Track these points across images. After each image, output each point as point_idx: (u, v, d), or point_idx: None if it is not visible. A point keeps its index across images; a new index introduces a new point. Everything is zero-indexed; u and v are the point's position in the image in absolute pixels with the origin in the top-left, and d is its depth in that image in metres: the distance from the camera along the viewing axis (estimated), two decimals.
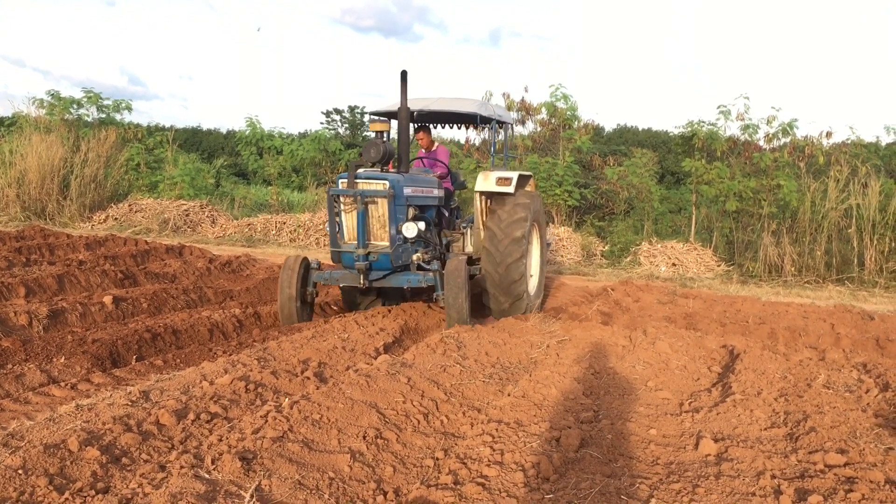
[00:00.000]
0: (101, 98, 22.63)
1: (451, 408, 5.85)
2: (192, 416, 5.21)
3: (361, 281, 8.81)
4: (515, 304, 9.92)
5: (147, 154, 23.60)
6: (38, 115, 21.69)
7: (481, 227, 10.45)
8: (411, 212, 9.14)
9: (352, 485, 4.33)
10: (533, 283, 11.09)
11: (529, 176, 11.31)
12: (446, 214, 10.97)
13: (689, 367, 7.39)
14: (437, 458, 4.80)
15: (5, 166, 19.00)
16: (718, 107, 17.95)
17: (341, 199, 8.71)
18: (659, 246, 17.10)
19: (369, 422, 5.25)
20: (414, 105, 10.25)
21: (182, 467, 4.27)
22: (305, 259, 9.34)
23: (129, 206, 20.14)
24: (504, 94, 20.05)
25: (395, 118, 10.68)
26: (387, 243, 8.76)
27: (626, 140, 38.56)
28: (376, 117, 8.75)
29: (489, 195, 10.55)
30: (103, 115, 22.78)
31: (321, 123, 32.82)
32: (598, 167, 20.31)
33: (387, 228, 8.76)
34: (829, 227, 16.50)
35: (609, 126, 44.34)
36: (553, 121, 19.70)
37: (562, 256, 17.10)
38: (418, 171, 10.39)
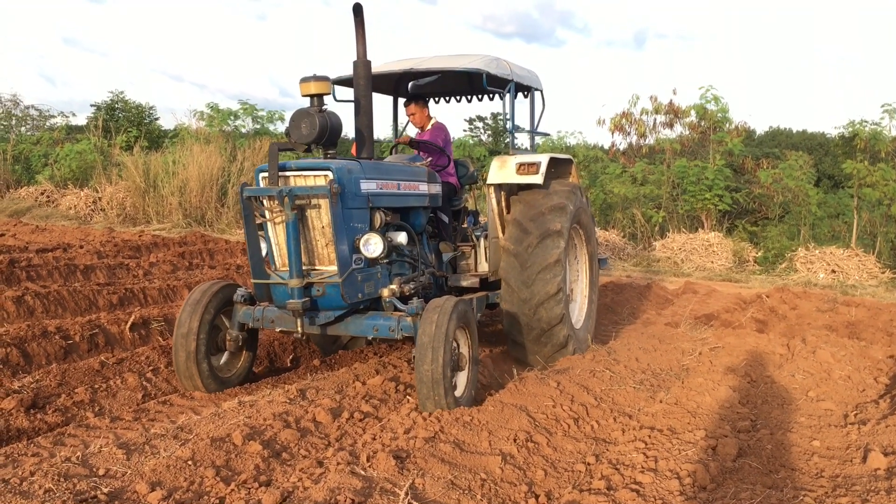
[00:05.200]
0: (255, 109, 23.61)
1: (601, 413, 5.77)
2: (346, 414, 5.36)
3: (299, 327, 5.86)
4: (552, 353, 7.27)
5: None
6: (199, 127, 22.80)
7: (499, 234, 7.54)
8: (378, 217, 6.17)
9: (503, 487, 4.34)
10: (579, 313, 8.29)
11: (569, 161, 8.38)
12: (447, 220, 7.89)
13: (854, 377, 7.02)
14: (589, 464, 4.74)
15: (169, 176, 20.03)
16: (883, 105, 17.06)
17: (265, 203, 5.86)
18: (817, 252, 16.33)
19: (519, 425, 5.24)
20: (395, 67, 7.80)
21: (339, 464, 4.40)
22: (228, 287, 6.33)
23: None
24: (651, 97, 19.66)
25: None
26: (335, 268, 5.77)
27: (780, 143, 37.00)
28: (314, 78, 5.69)
29: (508, 189, 7.79)
30: (258, 126, 23.74)
31: (464, 131, 33.01)
32: (751, 171, 19.59)
33: (335, 245, 5.73)
34: None
35: (760, 128, 42.68)
36: (703, 123, 19.16)
37: (712, 262, 16.60)
38: (399, 158, 7.47)
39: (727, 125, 19.11)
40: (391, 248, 6.17)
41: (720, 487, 4.32)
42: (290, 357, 7.62)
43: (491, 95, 7.98)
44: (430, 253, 7.36)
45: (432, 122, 8.16)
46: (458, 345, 5.70)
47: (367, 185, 6.05)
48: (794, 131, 43.99)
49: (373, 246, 5.81)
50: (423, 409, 5.34)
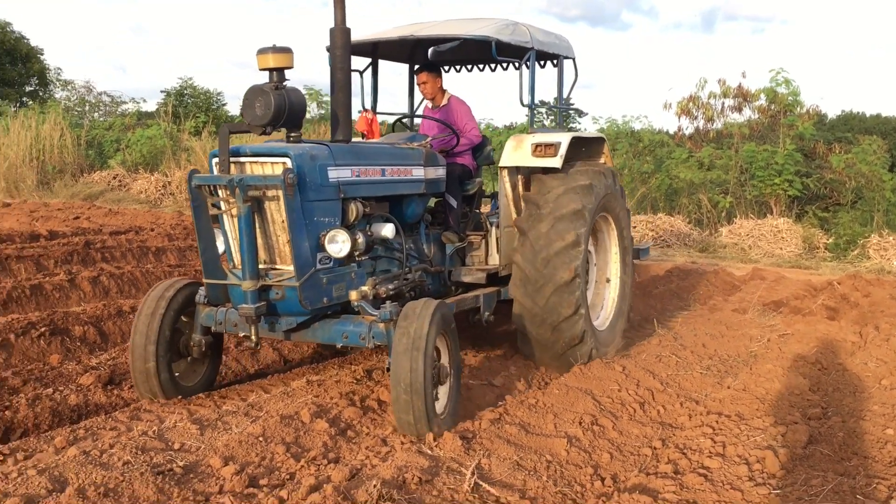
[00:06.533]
0: (320, 95, 23.77)
1: (667, 398, 5.74)
2: None
3: (252, 334, 5.02)
4: (564, 351, 6.32)
5: None
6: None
7: (513, 221, 6.70)
8: (354, 209, 5.34)
9: (569, 469, 4.35)
10: (604, 313, 7.30)
11: (600, 140, 7.47)
12: (455, 205, 6.84)
13: None
14: (655, 448, 4.72)
15: None
16: None
17: (220, 192, 5.04)
18: (891, 239, 15.89)
19: (584, 408, 5.25)
20: (394, 33, 6.98)
21: (404, 443, 4.47)
22: (189, 286, 5.50)
23: None
24: (720, 80, 19.28)
25: (370, 55, 7.56)
26: (292, 268, 4.94)
27: (852, 127, 35.87)
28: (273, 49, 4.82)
29: (525, 173, 6.89)
30: (322, 111, 23.90)
31: (525, 116, 32.76)
32: (822, 155, 19.10)
33: (292, 244, 4.90)
34: None
35: (832, 112, 41.49)
36: (773, 107, 18.74)
37: (781, 249, 16.28)
38: (397, 138, 6.79)
39: (798, 109, 18.66)
40: (372, 243, 5.40)
41: (790, 474, 4.26)
42: None
43: (515, 64, 6.67)
44: (428, 245, 6.56)
45: (447, 96, 7.24)
46: (437, 356, 4.89)
47: (338, 173, 5.23)
48: (868, 115, 42.66)
49: (339, 244, 5.00)
50: (401, 431, 4.69)
